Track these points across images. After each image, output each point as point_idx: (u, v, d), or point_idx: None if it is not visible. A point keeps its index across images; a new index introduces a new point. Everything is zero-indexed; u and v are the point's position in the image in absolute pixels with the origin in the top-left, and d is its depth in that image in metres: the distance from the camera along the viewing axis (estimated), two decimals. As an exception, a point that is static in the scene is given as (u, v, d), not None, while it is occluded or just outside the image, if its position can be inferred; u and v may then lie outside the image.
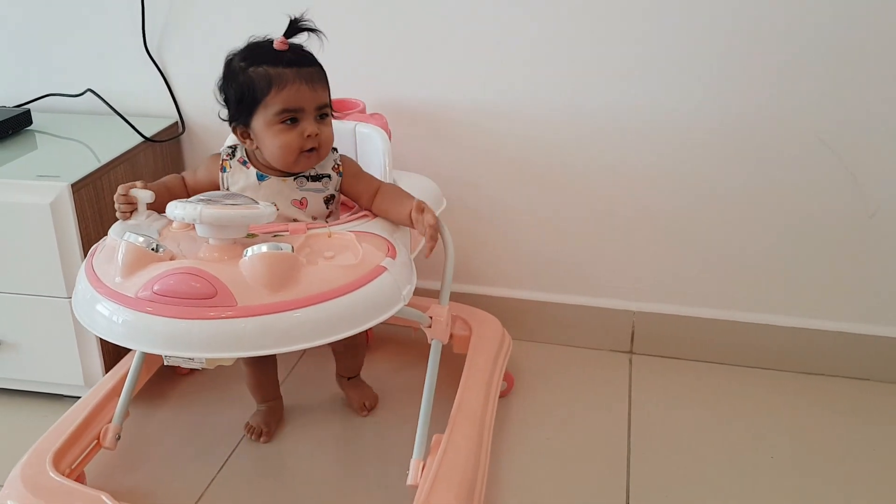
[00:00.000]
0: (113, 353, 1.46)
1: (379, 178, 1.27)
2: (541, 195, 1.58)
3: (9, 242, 1.36)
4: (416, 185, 1.38)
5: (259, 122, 1.14)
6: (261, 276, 0.96)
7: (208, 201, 1.00)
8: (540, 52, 1.46)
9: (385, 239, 1.12)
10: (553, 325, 1.66)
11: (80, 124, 1.63)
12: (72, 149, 1.53)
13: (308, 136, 1.14)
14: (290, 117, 1.13)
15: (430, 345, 1.27)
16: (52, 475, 1.13)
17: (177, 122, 1.66)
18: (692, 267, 1.58)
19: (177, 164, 1.68)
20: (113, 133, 1.57)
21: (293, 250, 0.99)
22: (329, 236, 1.10)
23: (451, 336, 1.49)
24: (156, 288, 0.96)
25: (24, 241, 1.36)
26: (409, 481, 1.17)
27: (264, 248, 0.97)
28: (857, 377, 1.56)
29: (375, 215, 1.20)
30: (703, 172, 1.49)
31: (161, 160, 1.61)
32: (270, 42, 1.15)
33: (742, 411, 1.48)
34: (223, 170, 1.20)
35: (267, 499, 1.27)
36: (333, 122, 1.33)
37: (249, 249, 0.97)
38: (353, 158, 1.32)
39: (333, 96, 1.47)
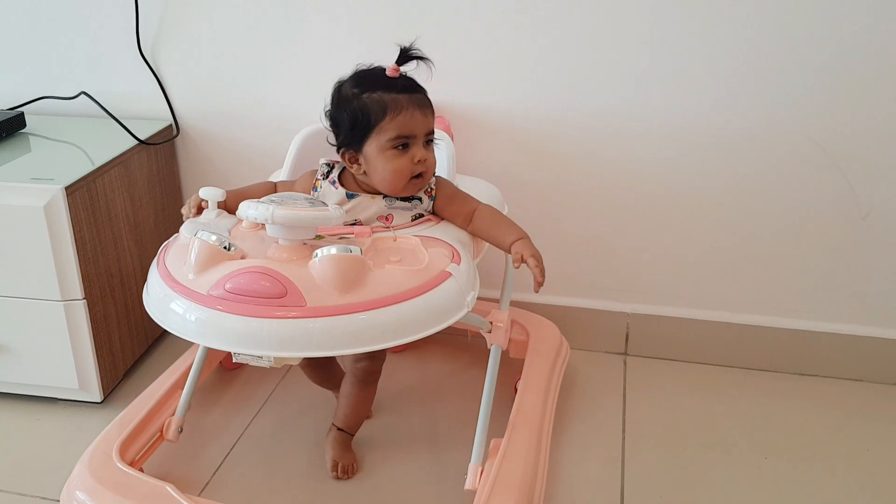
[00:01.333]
0: (108, 357, 1.47)
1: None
2: (538, 198, 1.57)
3: (2, 245, 1.36)
4: (480, 190, 1.38)
5: (372, 147, 1.14)
6: (330, 278, 0.97)
7: (280, 202, 1.01)
8: (540, 57, 1.47)
9: (450, 245, 1.13)
10: None
11: (74, 127, 1.63)
12: (66, 151, 1.51)
13: (418, 161, 1.15)
14: (403, 143, 1.14)
15: (484, 349, 1.28)
16: (120, 465, 1.15)
17: (171, 125, 1.65)
18: (687, 269, 1.58)
19: (171, 166, 1.68)
20: (107, 136, 1.56)
21: (361, 253, 1.00)
22: (394, 240, 1.11)
23: (509, 341, 1.49)
24: (228, 286, 0.98)
25: (17, 243, 1.35)
26: (468, 486, 1.17)
27: (333, 249, 0.98)
28: (851, 378, 1.57)
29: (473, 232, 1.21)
30: (699, 175, 1.50)
31: (155, 163, 1.61)
32: (382, 69, 1.16)
33: (736, 412, 1.48)
34: (314, 189, 1.21)
35: (325, 496, 1.28)
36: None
37: (319, 251, 0.99)
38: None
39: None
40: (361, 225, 1.17)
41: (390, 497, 1.28)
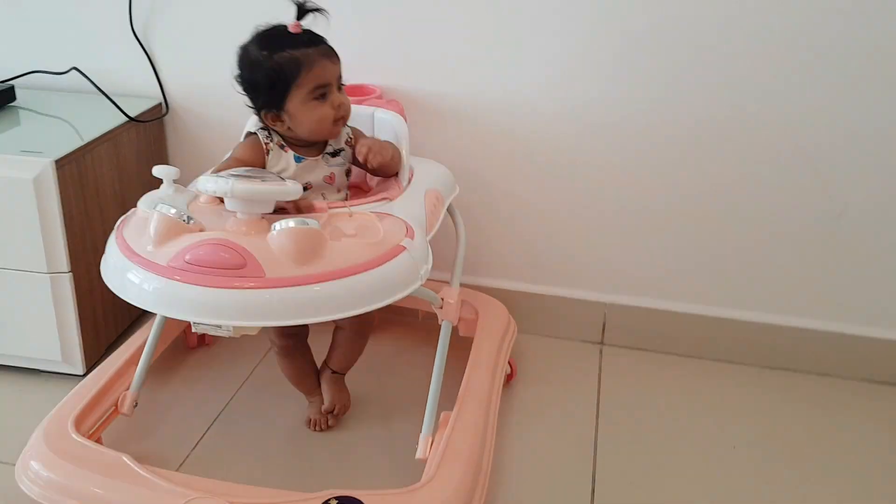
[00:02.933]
0: (91, 330, 1.49)
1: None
2: (521, 189, 1.62)
3: None
4: (431, 171, 1.43)
5: (294, 102, 1.19)
6: (288, 250, 1.00)
7: (239, 176, 1.04)
8: (539, 51, 1.51)
9: (403, 221, 1.16)
10: (527, 315, 1.69)
11: (64, 102, 1.64)
12: (55, 126, 1.53)
13: (338, 105, 1.21)
14: (322, 93, 1.20)
15: (435, 329, 1.32)
16: (75, 437, 1.16)
17: (160, 103, 1.67)
18: (664, 262, 1.63)
19: (160, 144, 1.70)
20: (97, 112, 1.58)
21: (319, 226, 1.03)
22: (350, 216, 1.14)
23: (459, 319, 1.53)
24: (187, 257, 1.00)
25: (5, 215, 1.37)
26: (419, 455, 1.21)
27: (292, 223, 1.01)
28: (819, 373, 1.62)
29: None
30: (678, 172, 1.55)
31: (144, 140, 1.63)
32: (284, 27, 1.20)
33: (707, 402, 1.53)
34: (268, 153, 1.24)
35: (267, 469, 1.32)
36: (353, 107, 1.39)
37: (277, 224, 1.01)
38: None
39: (352, 82, 1.53)
40: (312, 187, 1.22)
41: (346, 466, 1.33)
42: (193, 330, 1.03)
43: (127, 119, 1.56)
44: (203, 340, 1.62)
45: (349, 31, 1.36)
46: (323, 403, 1.41)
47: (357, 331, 1.39)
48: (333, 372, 1.42)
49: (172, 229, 1.04)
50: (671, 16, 1.44)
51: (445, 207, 1.39)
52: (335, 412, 1.41)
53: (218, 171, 1.16)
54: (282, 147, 1.24)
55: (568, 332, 1.71)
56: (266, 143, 1.24)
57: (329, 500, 1.06)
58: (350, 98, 1.42)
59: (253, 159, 1.22)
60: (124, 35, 1.62)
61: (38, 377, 1.50)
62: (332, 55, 1.22)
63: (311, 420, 1.41)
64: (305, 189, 1.20)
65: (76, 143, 1.42)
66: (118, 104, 1.58)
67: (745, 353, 1.64)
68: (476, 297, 1.59)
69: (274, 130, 1.25)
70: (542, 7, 1.47)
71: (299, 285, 1.00)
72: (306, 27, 1.21)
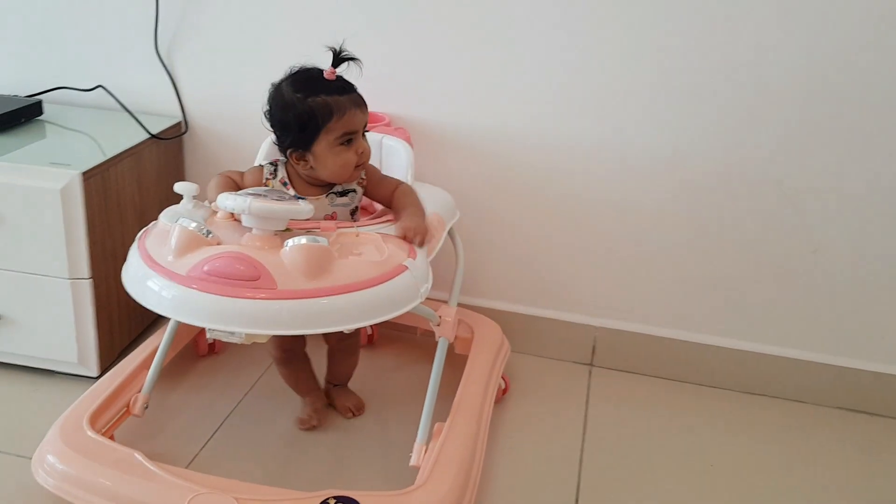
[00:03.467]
0: (107, 335, 1.56)
1: (401, 186, 1.40)
2: (518, 215, 1.71)
3: (19, 223, 1.45)
4: (433, 196, 1.51)
5: (321, 145, 1.25)
6: (299, 265, 1.08)
7: (256, 195, 1.12)
8: (538, 85, 1.60)
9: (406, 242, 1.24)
10: (522, 335, 1.78)
11: (90, 118, 1.73)
12: (80, 140, 1.62)
13: (361, 152, 1.28)
14: (349, 139, 1.26)
15: (432, 346, 1.40)
16: (90, 433, 1.24)
17: (181, 122, 1.76)
18: (652, 290, 1.72)
19: (178, 161, 1.78)
20: (119, 128, 1.67)
21: (328, 244, 1.11)
22: (357, 236, 1.22)
23: (456, 337, 1.61)
24: (206, 268, 1.08)
25: (33, 223, 1.44)
26: (413, 462, 1.28)
27: (303, 240, 1.09)
28: (795, 399, 1.71)
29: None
30: (668, 208, 1.64)
31: (164, 157, 1.72)
32: (319, 71, 1.27)
33: (688, 423, 1.61)
34: (267, 186, 1.31)
35: (271, 470, 1.39)
36: (362, 132, 1.47)
37: (290, 241, 1.10)
38: (379, 168, 1.45)
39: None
40: (312, 221, 1.27)
41: (345, 470, 1.40)
42: (208, 336, 1.11)
43: (149, 136, 1.65)
44: (213, 349, 1.70)
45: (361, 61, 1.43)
46: (314, 404, 1.50)
47: (345, 349, 1.52)
48: (335, 385, 1.55)
49: (192, 242, 1.12)
50: (663, 59, 1.53)
51: (446, 231, 1.47)
52: (354, 413, 1.53)
53: (217, 183, 1.27)
54: (284, 185, 1.31)
55: (559, 353, 1.79)
56: (267, 178, 1.31)
57: (328, 499, 1.13)
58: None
59: (250, 182, 1.31)
60: (149, 56, 1.72)
61: (53, 378, 1.58)
62: (361, 104, 1.27)
63: (300, 420, 1.49)
64: None
65: (101, 157, 1.51)
66: (141, 121, 1.66)
67: (726, 379, 1.73)
68: (472, 316, 1.67)
69: (285, 167, 1.32)
70: (543, 45, 1.57)
71: (308, 298, 1.08)
72: (339, 73, 1.28)
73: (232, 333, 1.09)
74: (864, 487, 1.47)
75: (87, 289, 1.49)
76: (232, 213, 1.20)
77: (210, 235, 1.13)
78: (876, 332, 1.64)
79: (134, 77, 1.75)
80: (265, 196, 1.13)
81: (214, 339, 1.67)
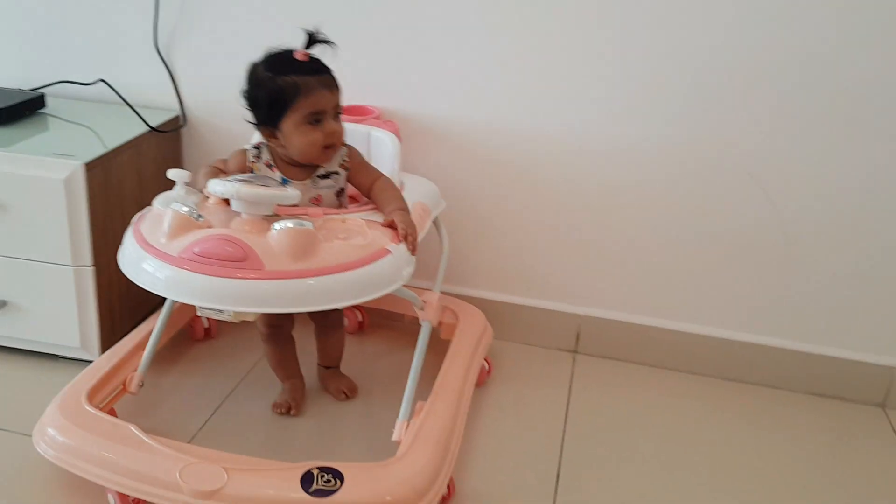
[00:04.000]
0: (108, 321, 1.61)
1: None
2: (504, 206, 1.77)
3: (23, 212, 1.50)
4: (419, 187, 1.58)
5: (288, 123, 1.31)
6: (285, 247, 1.15)
7: (244, 181, 1.18)
8: (523, 77, 1.66)
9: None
10: (508, 323, 1.84)
11: (91, 111, 1.77)
12: (82, 133, 1.66)
13: (329, 132, 1.33)
14: (316, 118, 1.32)
15: (418, 332, 1.46)
16: (88, 408, 1.30)
17: (179, 115, 1.81)
18: (633, 279, 1.78)
19: (176, 152, 1.84)
20: (120, 121, 1.71)
21: (314, 228, 1.17)
22: (343, 221, 1.28)
23: (440, 323, 1.68)
24: (196, 250, 1.14)
25: (37, 212, 1.49)
26: (394, 437, 1.34)
27: (290, 223, 1.16)
28: (771, 385, 1.77)
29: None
30: (646, 196, 1.69)
31: (163, 148, 1.77)
32: (290, 53, 1.33)
33: (666, 407, 1.67)
34: (251, 171, 1.37)
35: (262, 445, 1.46)
36: (351, 125, 1.54)
37: (277, 224, 1.16)
38: (367, 159, 1.51)
39: (351, 103, 1.68)
40: (300, 208, 1.33)
41: (331, 445, 1.47)
42: (198, 314, 1.17)
43: (148, 129, 1.70)
44: (208, 333, 1.76)
45: (352, 55, 1.49)
46: (293, 391, 1.55)
47: (330, 325, 1.57)
48: (328, 368, 1.60)
49: (184, 225, 1.18)
50: (642, 50, 1.60)
51: (431, 220, 1.53)
52: (347, 395, 1.58)
53: (206, 172, 1.32)
54: (269, 167, 1.37)
55: (545, 340, 1.85)
56: (252, 162, 1.37)
57: (312, 469, 1.20)
58: (349, 117, 1.58)
59: (234, 171, 1.35)
60: (149, 52, 1.77)
61: (56, 361, 1.63)
62: (332, 85, 1.32)
63: (276, 404, 1.54)
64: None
65: (103, 149, 1.56)
66: (141, 115, 1.71)
67: (704, 365, 1.79)
68: (457, 304, 1.73)
69: (268, 149, 1.37)
70: (528, 37, 1.63)
71: (292, 278, 1.14)
72: (316, 56, 1.33)
73: (221, 311, 1.16)
74: (835, 470, 1.53)
75: (89, 276, 1.54)
76: (223, 199, 1.26)
77: (201, 219, 1.19)
78: (847, 320, 1.70)
79: (134, 71, 1.81)
80: (253, 182, 1.19)
81: (210, 324, 1.74)
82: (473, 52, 1.66)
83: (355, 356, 1.69)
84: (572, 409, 1.64)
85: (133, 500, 1.24)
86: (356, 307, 1.81)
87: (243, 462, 1.21)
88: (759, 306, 1.74)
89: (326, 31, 1.35)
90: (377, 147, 1.53)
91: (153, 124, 1.71)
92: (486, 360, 1.67)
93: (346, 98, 1.69)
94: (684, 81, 1.60)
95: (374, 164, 1.48)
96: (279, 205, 1.23)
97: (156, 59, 1.78)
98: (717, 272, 1.73)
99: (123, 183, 1.63)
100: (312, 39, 1.34)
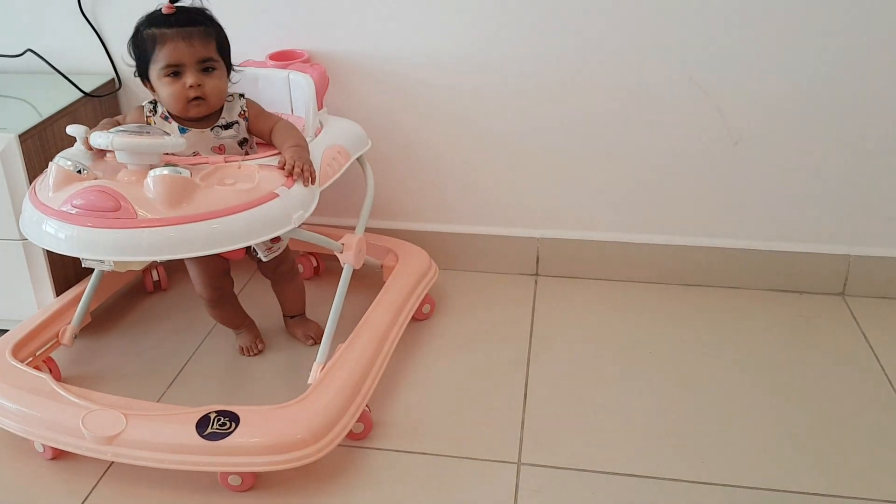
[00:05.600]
0: (64, 289, 1.60)
1: (308, 119, 1.45)
2: (454, 136, 1.74)
3: None
4: (344, 129, 1.56)
5: (153, 75, 1.32)
6: (159, 194, 1.15)
7: (121, 132, 1.18)
8: (447, 11, 1.62)
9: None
10: (467, 254, 1.84)
11: (21, 82, 1.74)
12: (15, 105, 1.64)
13: (190, 86, 1.31)
14: (173, 71, 1.31)
15: (375, 277, 1.45)
16: (9, 360, 1.35)
17: (113, 79, 1.77)
18: (585, 196, 1.76)
19: (115, 115, 1.80)
20: (53, 90, 1.68)
21: (191, 175, 1.17)
22: (239, 167, 1.27)
23: (381, 266, 1.67)
24: (74, 202, 1.16)
25: None
26: (309, 380, 1.35)
27: (165, 171, 1.16)
28: (730, 286, 1.77)
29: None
30: (590, 111, 1.66)
31: (101, 113, 1.71)
32: (160, 8, 1.32)
33: (628, 318, 1.68)
34: (148, 124, 1.36)
35: (190, 388, 1.49)
36: (270, 69, 1.52)
37: (152, 172, 1.16)
38: (288, 102, 1.50)
39: (279, 48, 1.66)
40: (200, 156, 1.34)
41: (249, 389, 1.50)
42: (83, 265, 1.19)
43: (83, 94, 1.67)
44: (159, 286, 1.79)
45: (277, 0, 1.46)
46: (250, 332, 1.58)
47: (282, 277, 1.57)
48: (293, 316, 1.62)
49: (66, 179, 1.19)
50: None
51: (351, 160, 1.51)
52: (315, 340, 1.58)
53: (101, 126, 1.31)
54: (166, 119, 1.36)
55: (506, 266, 1.85)
56: (148, 116, 1.37)
57: (209, 412, 1.22)
58: (276, 63, 1.56)
59: (127, 122, 1.35)
60: (74, 15, 1.73)
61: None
62: (193, 38, 1.30)
63: (242, 348, 1.57)
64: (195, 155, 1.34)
65: (37, 118, 1.54)
66: (73, 81, 1.69)
67: (664, 274, 1.79)
68: (400, 245, 1.71)
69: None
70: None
71: (166, 225, 1.14)
72: (195, 7, 1.33)
73: (102, 262, 1.17)
74: (799, 358, 1.54)
75: (39, 249, 1.52)
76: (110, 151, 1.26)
77: (85, 172, 1.20)
78: (799, 214, 1.70)
79: (62, 38, 1.77)
80: (131, 132, 1.19)
81: (159, 276, 1.77)
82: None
83: (316, 301, 1.69)
84: (537, 330, 1.65)
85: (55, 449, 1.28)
86: (310, 253, 1.82)
87: (144, 407, 1.24)
88: (711, 210, 1.72)
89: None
90: (295, 90, 1.51)
91: (87, 90, 1.69)
92: (428, 298, 1.66)
93: (277, 43, 1.68)
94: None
95: (294, 106, 1.46)
96: (169, 154, 1.24)
97: (83, 24, 1.74)
98: (668, 180, 1.70)
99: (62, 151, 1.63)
100: None
